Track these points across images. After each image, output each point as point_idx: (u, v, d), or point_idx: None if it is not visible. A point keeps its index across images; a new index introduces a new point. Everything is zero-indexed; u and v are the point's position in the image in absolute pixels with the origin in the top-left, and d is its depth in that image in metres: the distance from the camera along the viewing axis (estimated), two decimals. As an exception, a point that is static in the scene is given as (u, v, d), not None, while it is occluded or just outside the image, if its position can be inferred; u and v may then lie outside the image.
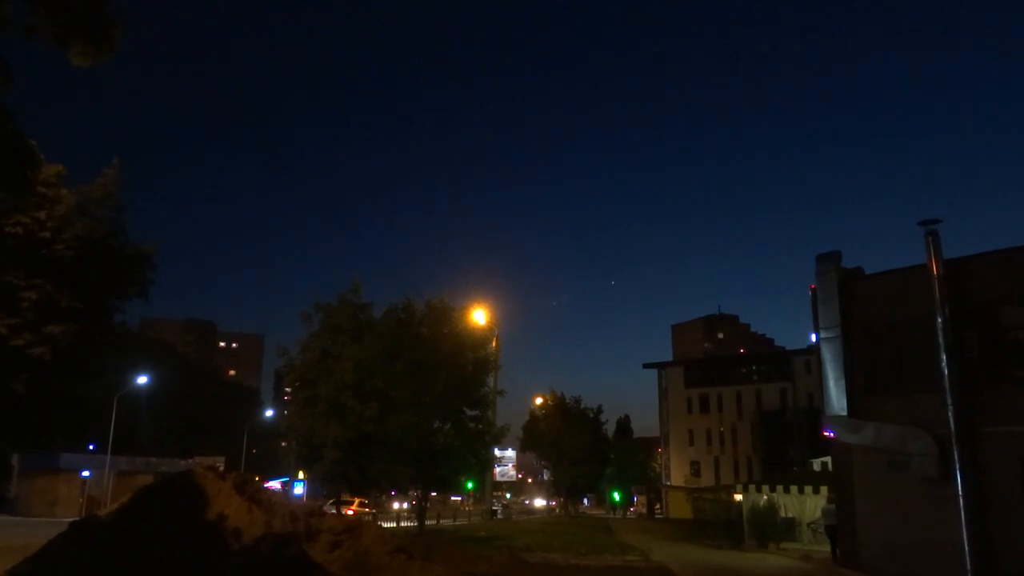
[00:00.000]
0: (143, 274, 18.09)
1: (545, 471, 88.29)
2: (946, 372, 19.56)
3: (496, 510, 63.17)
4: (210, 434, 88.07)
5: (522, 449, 78.87)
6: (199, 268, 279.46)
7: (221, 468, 13.47)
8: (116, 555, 9.75)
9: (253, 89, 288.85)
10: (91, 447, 61.10)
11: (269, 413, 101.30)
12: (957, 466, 19.10)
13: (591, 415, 77.37)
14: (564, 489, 78.22)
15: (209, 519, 10.50)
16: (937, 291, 20.04)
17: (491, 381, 34.10)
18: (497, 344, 36.58)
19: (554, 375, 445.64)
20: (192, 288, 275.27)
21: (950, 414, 19.34)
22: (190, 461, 60.12)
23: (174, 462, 63.77)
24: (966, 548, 18.60)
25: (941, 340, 19.75)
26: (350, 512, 40.70)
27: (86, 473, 57.69)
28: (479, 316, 36.36)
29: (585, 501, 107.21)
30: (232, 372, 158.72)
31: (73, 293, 16.23)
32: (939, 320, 19.85)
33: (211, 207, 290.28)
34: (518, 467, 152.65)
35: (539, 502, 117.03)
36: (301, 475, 49.61)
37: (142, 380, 59.03)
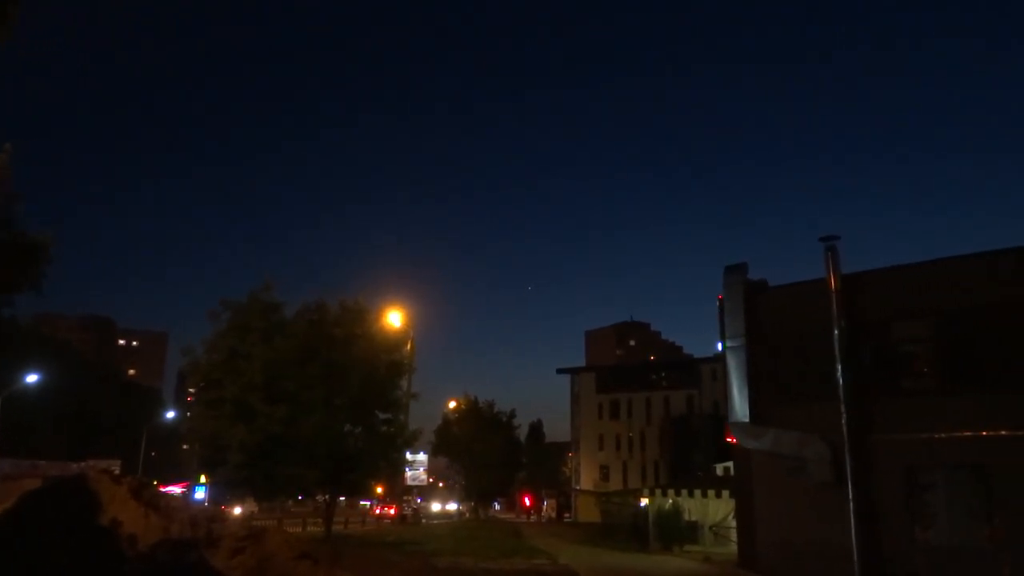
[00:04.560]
0: (36, 267, 17.17)
1: (457, 475, 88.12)
2: (841, 382, 20.59)
3: (406, 515, 62.62)
4: (106, 436, 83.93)
5: (434, 453, 78.46)
6: (98, 262, 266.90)
7: (117, 471, 12.85)
8: (-4, 564, 9.17)
9: (160, 77, 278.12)
10: (-28, 449, 57.25)
11: (171, 415, 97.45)
12: (849, 472, 20.14)
13: (504, 419, 77.73)
14: (476, 493, 78.23)
15: (102, 525, 9.99)
16: (834, 304, 21.09)
17: (405, 384, 33.74)
18: (412, 347, 36.20)
19: (468, 379, 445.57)
20: (91, 283, 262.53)
21: (843, 422, 20.37)
22: (83, 464, 56.96)
23: (65, 465, 60.07)
24: (855, 551, 19.59)
25: (837, 351, 20.79)
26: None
27: (-35, 477, 53.99)
28: (394, 318, 35.92)
29: (496, 505, 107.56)
30: (132, 371, 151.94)
31: (-44, 284, 15.23)
32: (836, 332, 20.90)
33: (112, 199, 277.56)
34: (430, 471, 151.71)
35: (450, 506, 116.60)
36: (203, 479, 47.80)
37: (32, 379, 55.72)
